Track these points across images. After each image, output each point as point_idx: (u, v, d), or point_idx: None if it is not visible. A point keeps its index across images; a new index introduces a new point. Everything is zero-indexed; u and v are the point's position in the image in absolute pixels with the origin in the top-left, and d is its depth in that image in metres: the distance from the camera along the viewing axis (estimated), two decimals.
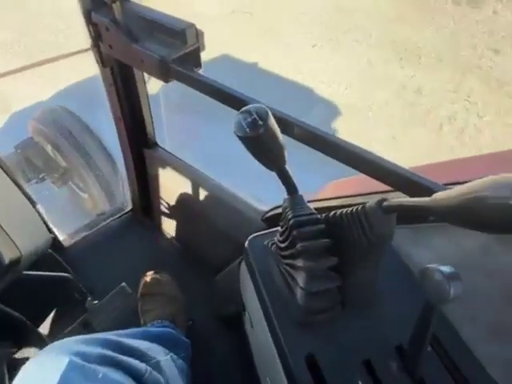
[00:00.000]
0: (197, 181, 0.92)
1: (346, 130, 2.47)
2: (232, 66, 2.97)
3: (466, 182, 0.28)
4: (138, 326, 0.90)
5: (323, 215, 0.46)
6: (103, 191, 1.69)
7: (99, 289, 1.01)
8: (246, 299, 0.63)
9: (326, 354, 0.45)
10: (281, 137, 0.43)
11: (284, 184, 0.48)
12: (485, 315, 0.48)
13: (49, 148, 1.70)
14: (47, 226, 0.94)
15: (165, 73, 0.63)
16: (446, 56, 2.99)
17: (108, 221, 1.20)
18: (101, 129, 1.69)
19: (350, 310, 0.48)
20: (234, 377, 0.89)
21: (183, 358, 0.75)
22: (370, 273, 0.46)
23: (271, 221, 0.76)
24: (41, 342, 0.80)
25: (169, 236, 1.17)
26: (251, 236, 0.57)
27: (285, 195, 0.49)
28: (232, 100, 0.56)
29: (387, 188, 0.49)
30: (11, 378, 0.71)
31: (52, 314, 0.91)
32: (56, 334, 0.90)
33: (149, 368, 0.58)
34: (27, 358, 0.50)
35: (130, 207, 1.21)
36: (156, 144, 0.99)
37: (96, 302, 0.98)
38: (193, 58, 0.65)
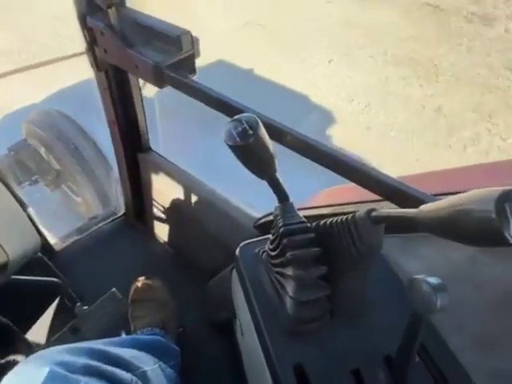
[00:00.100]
0: (190, 186, 0.91)
1: (368, 152, 2.32)
2: (245, 83, 2.87)
3: (457, 192, 0.29)
4: (129, 331, 0.89)
5: (313, 224, 0.47)
6: (97, 195, 1.68)
7: (90, 294, 0.99)
8: (237, 307, 0.62)
9: (314, 363, 0.45)
10: (271, 146, 0.43)
11: (275, 192, 0.48)
12: (472, 325, 0.49)
13: (42, 150, 1.69)
14: (37, 230, 0.93)
15: (159, 79, 0.63)
16: (462, 74, 2.94)
17: (100, 225, 1.19)
18: (95, 132, 1.68)
19: (338, 319, 0.48)
20: None
21: (172, 367, 0.74)
22: (359, 282, 0.46)
23: (263, 228, 0.76)
24: (28, 349, 0.79)
25: (161, 241, 1.16)
26: (242, 243, 0.57)
27: (276, 203, 0.49)
28: (226, 107, 0.57)
29: (379, 197, 0.49)
30: None
31: (40, 320, 0.89)
32: (44, 340, 0.88)
33: (134, 378, 0.57)
34: (13, 366, 0.49)
35: (122, 211, 1.21)
36: (150, 148, 0.99)
37: (86, 307, 0.96)
38: (188, 65, 0.65)
